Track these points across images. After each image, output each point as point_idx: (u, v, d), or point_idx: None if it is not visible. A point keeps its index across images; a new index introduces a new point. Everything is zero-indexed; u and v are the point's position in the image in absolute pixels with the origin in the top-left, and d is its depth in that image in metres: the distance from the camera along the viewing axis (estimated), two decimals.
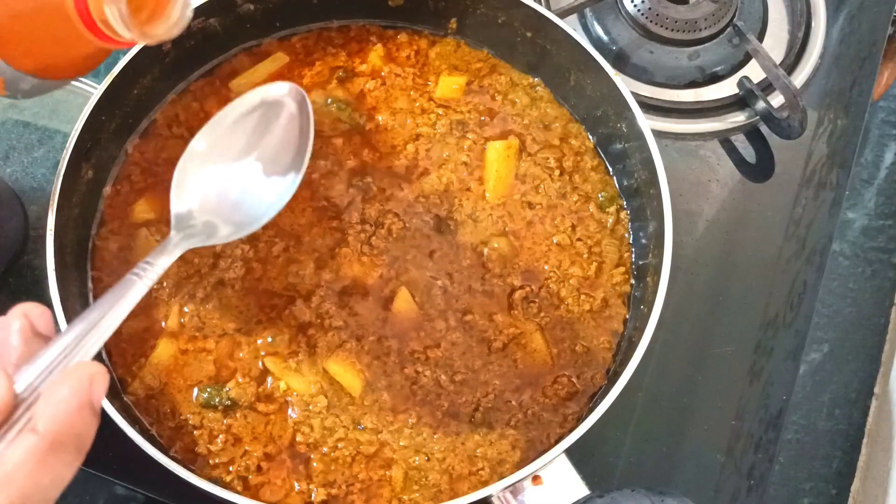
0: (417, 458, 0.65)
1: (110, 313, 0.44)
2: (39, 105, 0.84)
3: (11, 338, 0.39)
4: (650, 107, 0.85)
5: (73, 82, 0.83)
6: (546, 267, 0.71)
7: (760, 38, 0.90)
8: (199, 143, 0.60)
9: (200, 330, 0.67)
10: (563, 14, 0.83)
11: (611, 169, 0.76)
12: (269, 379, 0.66)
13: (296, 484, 0.63)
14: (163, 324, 0.67)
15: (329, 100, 0.76)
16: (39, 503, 0.35)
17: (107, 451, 0.61)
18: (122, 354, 0.66)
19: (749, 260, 0.81)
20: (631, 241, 0.73)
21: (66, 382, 0.36)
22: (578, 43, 0.72)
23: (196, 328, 0.67)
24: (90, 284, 0.69)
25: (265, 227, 0.69)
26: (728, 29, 0.88)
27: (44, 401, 0.36)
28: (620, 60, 0.88)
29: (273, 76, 0.77)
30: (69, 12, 0.46)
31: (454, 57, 0.79)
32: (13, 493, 0.34)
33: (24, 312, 0.40)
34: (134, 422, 0.60)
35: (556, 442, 0.62)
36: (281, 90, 0.61)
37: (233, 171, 0.59)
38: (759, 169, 0.85)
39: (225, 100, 0.75)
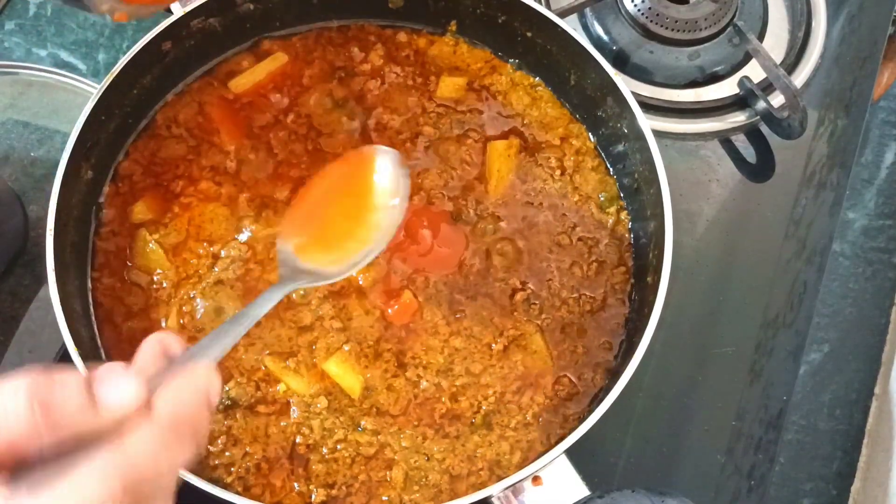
0: (417, 459, 0.64)
1: (225, 340, 0.46)
2: (39, 105, 0.84)
3: (143, 357, 0.41)
4: (650, 107, 0.85)
5: (73, 82, 0.83)
6: (547, 267, 0.71)
7: (761, 37, 0.90)
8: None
9: (200, 331, 0.67)
10: (563, 14, 0.83)
11: (611, 169, 0.76)
12: (269, 380, 0.66)
13: (295, 485, 0.63)
14: (163, 324, 0.67)
15: (329, 99, 0.76)
16: (153, 488, 0.36)
17: None
18: (122, 355, 0.66)
19: (749, 260, 0.81)
20: (631, 241, 0.73)
21: (187, 378, 0.39)
22: (578, 43, 0.71)
23: (196, 329, 0.67)
24: (90, 284, 0.68)
25: (266, 229, 0.70)
26: (728, 29, 0.88)
27: (165, 390, 0.38)
28: (620, 60, 0.88)
29: (273, 75, 0.77)
30: None
31: (454, 57, 0.79)
32: (130, 471, 0.35)
33: (160, 339, 0.42)
34: None
35: (557, 442, 0.62)
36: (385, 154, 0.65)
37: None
38: (760, 169, 0.85)
39: (224, 99, 0.75)
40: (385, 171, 0.64)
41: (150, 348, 0.42)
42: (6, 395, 0.35)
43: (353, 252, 0.61)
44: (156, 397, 0.38)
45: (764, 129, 0.86)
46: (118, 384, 0.37)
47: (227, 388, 0.65)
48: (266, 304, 0.52)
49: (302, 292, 0.68)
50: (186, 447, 0.38)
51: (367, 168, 0.65)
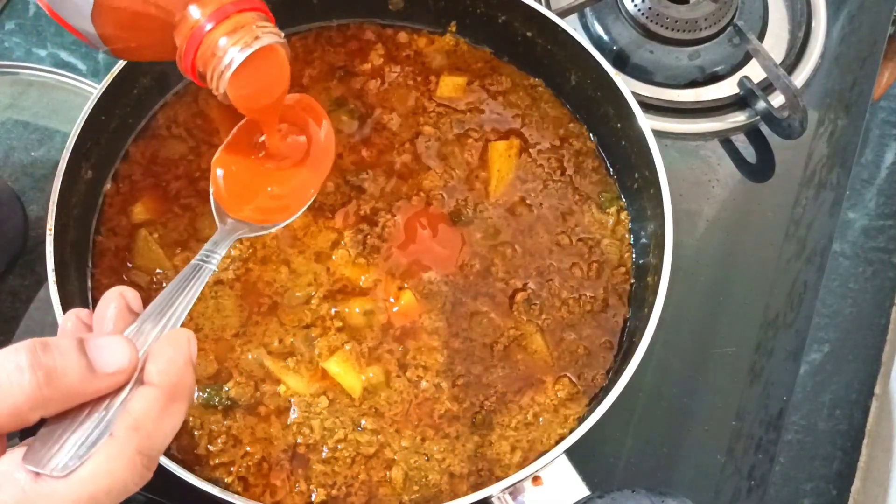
0: (417, 459, 0.64)
1: (187, 294, 0.49)
2: (39, 105, 0.84)
3: (108, 312, 0.44)
4: (650, 107, 0.85)
5: (73, 82, 0.84)
6: (547, 267, 0.71)
7: (761, 37, 0.90)
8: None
9: (199, 330, 0.67)
10: (563, 14, 0.83)
11: (611, 169, 0.76)
12: (269, 379, 0.66)
13: (296, 485, 0.63)
14: None
15: (329, 99, 0.76)
16: (161, 447, 0.40)
17: None
18: None
19: (749, 260, 0.81)
20: (631, 242, 0.73)
21: (171, 344, 0.42)
22: (579, 43, 0.71)
23: (195, 328, 0.67)
24: (90, 284, 0.68)
25: None
26: (728, 28, 0.88)
27: (155, 360, 0.41)
28: (621, 60, 0.88)
29: None
30: (178, 51, 0.51)
31: (454, 57, 0.79)
32: (143, 437, 0.39)
33: (121, 293, 0.45)
34: None
35: (557, 442, 0.62)
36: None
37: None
38: (760, 169, 0.85)
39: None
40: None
41: (116, 303, 0.45)
42: (8, 364, 0.37)
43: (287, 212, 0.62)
44: (148, 364, 0.41)
45: (764, 129, 0.86)
46: (112, 348, 0.40)
47: (226, 388, 0.65)
48: (215, 257, 0.54)
49: (299, 293, 0.68)
50: (184, 409, 0.41)
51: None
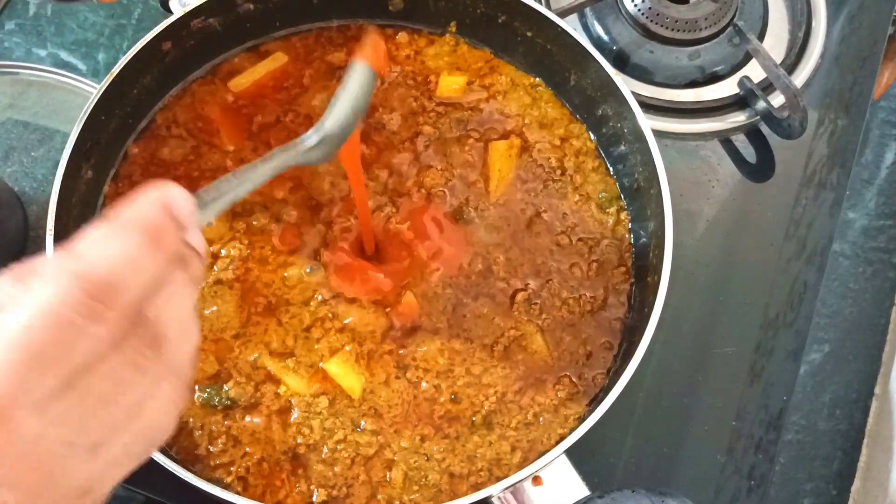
0: (417, 459, 0.64)
1: (232, 192, 0.47)
2: (39, 105, 0.84)
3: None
4: (650, 107, 0.85)
5: (73, 82, 0.83)
6: (547, 267, 0.71)
7: (761, 37, 0.90)
8: None
9: (200, 330, 0.67)
10: (563, 14, 0.83)
11: (611, 169, 0.76)
12: (269, 380, 0.66)
13: (296, 485, 0.63)
14: None
15: (329, 99, 0.76)
16: (107, 283, 0.35)
17: None
18: None
19: (749, 260, 0.81)
20: (631, 241, 0.73)
21: (150, 190, 0.38)
22: (579, 43, 0.71)
23: None
24: None
25: (262, 227, 0.70)
26: (728, 28, 0.88)
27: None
28: (621, 60, 0.88)
29: (273, 75, 0.77)
30: None
31: (454, 56, 0.79)
32: (85, 271, 0.34)
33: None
34: None
35: (557, 442, 0.62)
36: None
37: None
38: (760, 169, 0.85)
39: (224, 100, 0.75)
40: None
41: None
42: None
43: None
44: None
45: (764, 129, 0.86)
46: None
47: (226, 388, 0.65)
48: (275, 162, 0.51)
49: (299, 294, 0.68)
50: (140, 244, 0.36)
51: None
